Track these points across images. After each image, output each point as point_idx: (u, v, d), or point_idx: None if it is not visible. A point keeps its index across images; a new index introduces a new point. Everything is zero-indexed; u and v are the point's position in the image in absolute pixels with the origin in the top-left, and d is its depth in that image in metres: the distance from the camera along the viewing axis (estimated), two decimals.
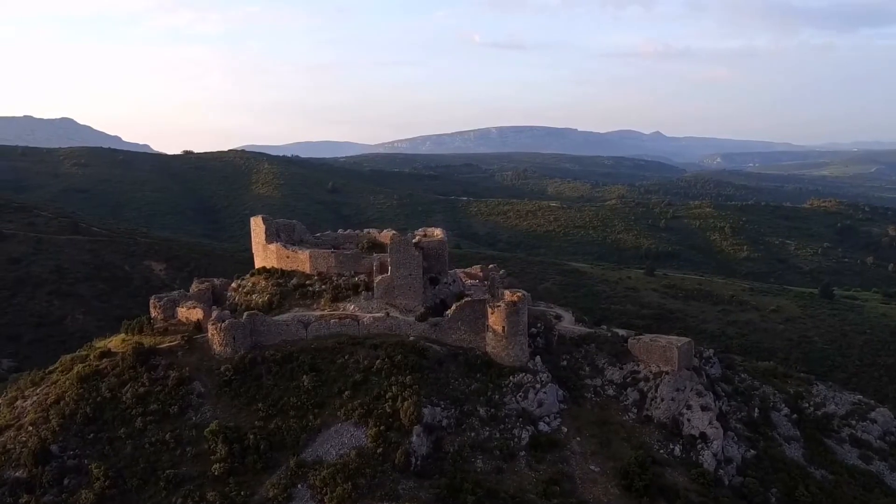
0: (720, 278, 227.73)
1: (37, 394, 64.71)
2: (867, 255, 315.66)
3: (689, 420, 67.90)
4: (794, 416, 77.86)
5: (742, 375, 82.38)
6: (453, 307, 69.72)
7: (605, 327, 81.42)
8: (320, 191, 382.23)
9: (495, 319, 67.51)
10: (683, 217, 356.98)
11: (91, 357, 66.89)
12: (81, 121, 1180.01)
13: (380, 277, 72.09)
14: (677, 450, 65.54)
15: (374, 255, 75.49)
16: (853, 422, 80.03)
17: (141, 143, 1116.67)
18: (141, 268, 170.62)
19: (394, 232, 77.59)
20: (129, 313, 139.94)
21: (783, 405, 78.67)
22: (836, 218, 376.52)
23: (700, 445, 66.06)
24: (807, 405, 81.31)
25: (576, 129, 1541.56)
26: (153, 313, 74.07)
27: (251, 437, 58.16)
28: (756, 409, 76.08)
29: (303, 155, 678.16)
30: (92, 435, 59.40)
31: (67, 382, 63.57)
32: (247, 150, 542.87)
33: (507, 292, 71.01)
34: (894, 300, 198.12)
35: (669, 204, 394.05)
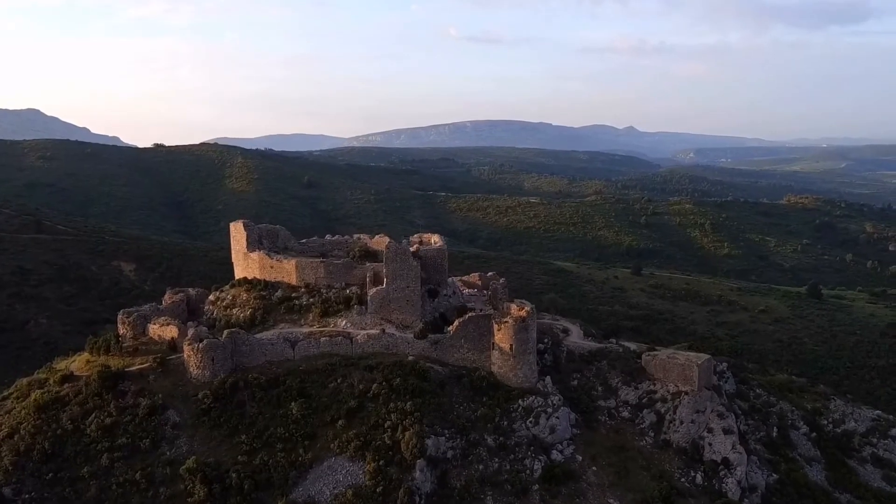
0: (707, 278, 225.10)
1: None
2: (845, 251, 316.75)
3: (710, 444, 63.06)
4: (814, 434, 73.39)
5: (757, 391, 77.52)
6: (456, 323, 63.59)
7: (614, 341, 76.03)
8: (296, 185, 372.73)
9: (502, 337, 61.60)
10: (663, 214, 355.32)
11: (51, 381, 59.60)
12: (48, 112, 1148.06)
13: (374, 290, 65.70)
14: (699, 477, 60.67)
15: (367, 264, 69.20)
16: (874, 440, 75.66)
17: (110, 134, 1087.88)
18: (109, 268, 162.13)
19: (389, 239, 71.08)
20: (97, 317, 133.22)
21: (801, 423, 74.16)
22: (813, 214, 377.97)
23: (723, 472, 61.21)
24: (825, 422, 76.80)
25: (550, 124, 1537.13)
26: (121, 330, 66.68)
27: (233, 475, 51.90)
28: (774, 428, 71.43)
29: (275, 148, 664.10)
30: (51, 474, 52.48)
31: (23, 412, 56.42)
32: (219, 142, 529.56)
33: (513, 306, 65.07)
34: (881, 299, 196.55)
35: (649, 200, 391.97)
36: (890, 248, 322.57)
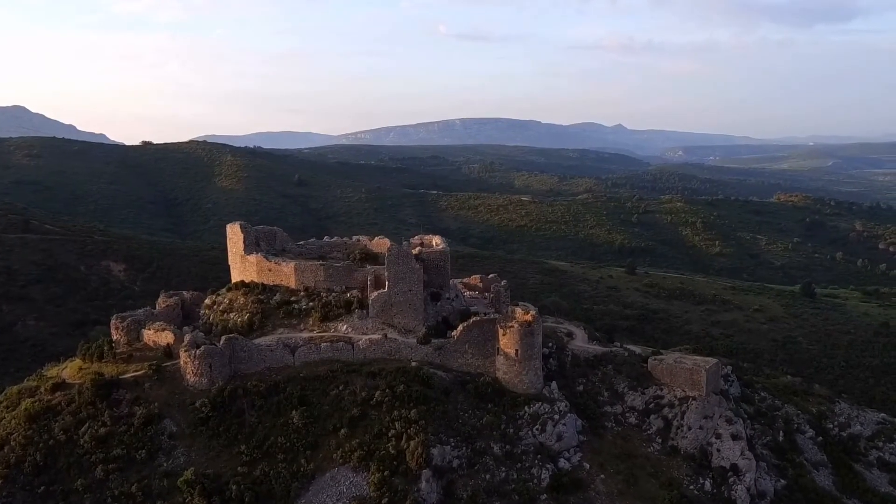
0: (700, 277, 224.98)
1: None
2: (835, 250, 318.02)
3: (718, 450, 61.96)
4: (820, 438, 72.56)
5: (762, 394, 76.63)
6: (460, 328, 62.00)
7: (618, 344, 74.75)
8: (286, 183, 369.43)
9: (507, 342, 60.11)
10: (655, 212, 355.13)
11: (42, 390, 57.51)
12: (34, 109, 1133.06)
13: (375, 294, 63.99)
14: (707, 484, 59.55)
15: (368, 267, 67.35)
16: (880, 443, 74.99)
17: (97, 132, 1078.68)
18: (98, 269, 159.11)
19: (390, 242, 69.37)
20: (87, 318, 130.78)
21: (807, 427, 73.33)
22: (803, 213, 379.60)
23: (732, 479, 60.06)
24: (831, 426, 75.98)
25: (539, 122, 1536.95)
26: (115, 336, 64.51)
27: (233, 487, 50.08)
28: (781, 433, 70.49)
29: (264, 145, 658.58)
30: (43, 487, 50.48)
31: (13, 422, 54.27)
32: (207, 140, 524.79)
33: (518, 310, 63.66)
34: (874, 298, 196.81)
35: (641, 199, 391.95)
36: (879, 247, 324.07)
